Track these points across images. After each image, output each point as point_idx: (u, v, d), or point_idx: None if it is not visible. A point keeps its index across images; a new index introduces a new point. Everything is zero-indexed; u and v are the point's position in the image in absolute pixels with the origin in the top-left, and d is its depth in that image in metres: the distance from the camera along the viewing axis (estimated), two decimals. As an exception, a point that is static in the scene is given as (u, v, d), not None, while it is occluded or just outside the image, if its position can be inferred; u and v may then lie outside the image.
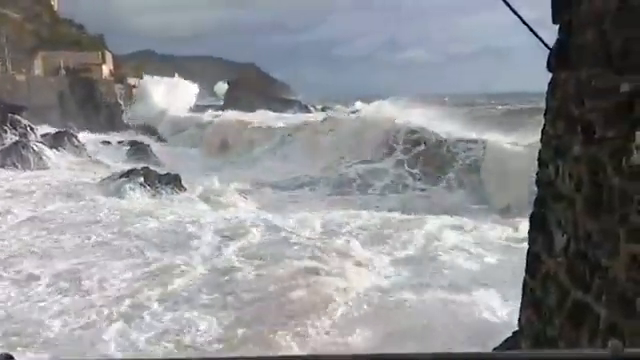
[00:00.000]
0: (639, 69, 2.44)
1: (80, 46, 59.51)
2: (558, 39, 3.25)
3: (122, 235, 13.60)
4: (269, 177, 24.42)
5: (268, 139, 32.21)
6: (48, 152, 27.72)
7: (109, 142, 34.32)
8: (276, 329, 8.13)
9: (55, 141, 29.70)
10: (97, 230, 14.11)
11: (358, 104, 38.00)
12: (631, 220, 2.37)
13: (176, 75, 66.13)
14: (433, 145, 22.59)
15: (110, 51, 63.21)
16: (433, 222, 14.27)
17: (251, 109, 44.03)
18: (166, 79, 62.84)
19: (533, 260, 3.61)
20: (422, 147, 22.83)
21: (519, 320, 3.84)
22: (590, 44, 2.82)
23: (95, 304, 9.30)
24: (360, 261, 11.33)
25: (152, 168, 21.43)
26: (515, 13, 3.26)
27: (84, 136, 34.35)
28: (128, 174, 19.82)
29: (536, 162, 3.65)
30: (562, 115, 3.18)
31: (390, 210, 17.01)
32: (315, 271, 10.58)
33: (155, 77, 62.75)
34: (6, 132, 28.96)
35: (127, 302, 9.33)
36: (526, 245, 3.73)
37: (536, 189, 3.65)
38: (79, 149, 30.25)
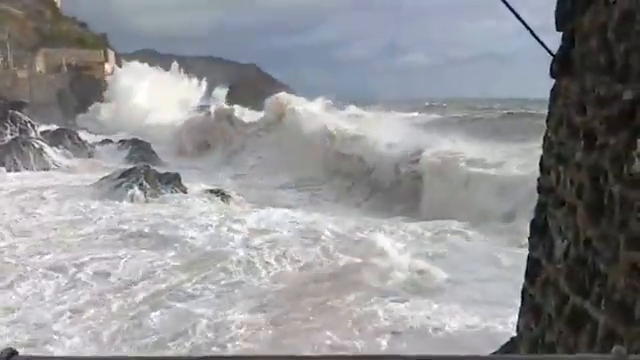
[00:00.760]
0: (642, 78, 2.46)
1: (83, 44, 59.57)
2: (561, 46, 3.27)
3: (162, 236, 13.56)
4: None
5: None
6: (48, 149, 27.71)
7: (110, 140, 34.12)
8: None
9: (55, 138, 29.75)
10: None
11: (352, 108, 37.91)
12: (631, 227, 2.39)
13: (175, 68, 56.57)
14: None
15: (113, 49, 63.25)
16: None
17: (254, 108, 43.67)
18: (154, 72, 52.79)
19: (533, 266, 3.62)
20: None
21: (517, 325, 3.85)
22: (593, 52, 2.84)
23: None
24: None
25: (152, 167, 21.42)
26: (519, 19, 3.28)
27: (84, 134, 34.38)
28: (128, 173, 19.76)
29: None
30: (564, 122, 3.20)
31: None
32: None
33: (140, 65, 53.25)
34: (6, 128, 28.92)
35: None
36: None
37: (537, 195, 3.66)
38: (79, 147, 30.30)
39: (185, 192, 19.39)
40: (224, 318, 8.58)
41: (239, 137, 32.91)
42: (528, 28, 3.21)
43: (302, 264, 11.29)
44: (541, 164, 3.62)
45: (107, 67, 53.51)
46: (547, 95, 3.59)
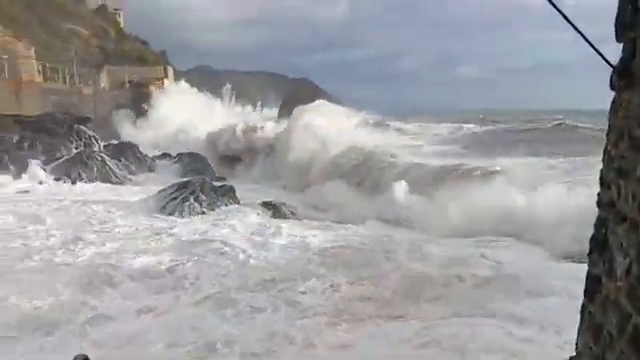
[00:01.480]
0: None
1: (144, 61, 62.05)
2: (622, 58, 3.19)
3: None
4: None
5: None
6: (110, 163, 28.81)
7: (168, 154, 35.00)
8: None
9: (117, 152, 30.93)
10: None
11: (394, 124, 38.57)
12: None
13: (227, 91, 59.46)
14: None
15: (172, 66, 65.52)
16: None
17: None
18: (201, 97, 54.04)
19: (592, 283, 3.51)
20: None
21: (576, 344, 3.73)
22: (656, 63, 2.76)
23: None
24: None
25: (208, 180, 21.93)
26: (576, 29, 3.22)
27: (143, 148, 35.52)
28: (185, 185, 20.26)
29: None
30: (625, 135, 3.11)
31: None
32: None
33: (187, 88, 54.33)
34: (72, 142, 30.29)
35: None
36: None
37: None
38: (140, 160, 31.34)
39: (239, 204, 19.79)
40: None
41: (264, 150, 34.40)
42: (585, 39, 3.15)
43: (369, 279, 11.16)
44: (601, 178, 3.51)
45: (166, 83, 55.40)
46: (607, 106, 3.50)
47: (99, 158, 28.60)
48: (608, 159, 3.42)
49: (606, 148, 3.47)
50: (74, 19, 67.76)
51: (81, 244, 13.95)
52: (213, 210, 18.95)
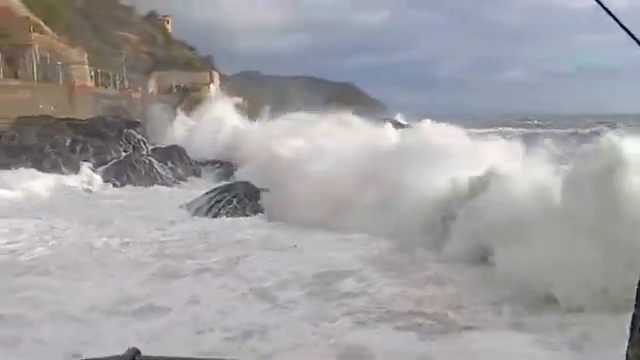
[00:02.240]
0: None
1: (191, 67, 63.29)
2: (676, 59, 3.08)
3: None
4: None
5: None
6: (157, 166, 29.32)
7: (208, 161, 34.35)
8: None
9: (165, 155, 31.41)
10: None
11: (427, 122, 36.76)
12: None
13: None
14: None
15: (218, 71, 66.62)
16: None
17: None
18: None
19: (644, 292, 3.39)
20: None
21: (627, 355, 3.61)
22: None
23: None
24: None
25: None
26: (627, 32, 3.13)
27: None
28: (229, 188, 20.65)
29: None
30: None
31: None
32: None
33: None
34: (121, 146, 31.12)
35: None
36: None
37: None
38: (186, 164, 31.69)
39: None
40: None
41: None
42: (637, 41, 3.06)
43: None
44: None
45: (212, 88, 56.36)
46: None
47: (147, 161, 29.25)
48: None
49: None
50: (125, 26, 69.76)
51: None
52: (255, 214, 19.25)
